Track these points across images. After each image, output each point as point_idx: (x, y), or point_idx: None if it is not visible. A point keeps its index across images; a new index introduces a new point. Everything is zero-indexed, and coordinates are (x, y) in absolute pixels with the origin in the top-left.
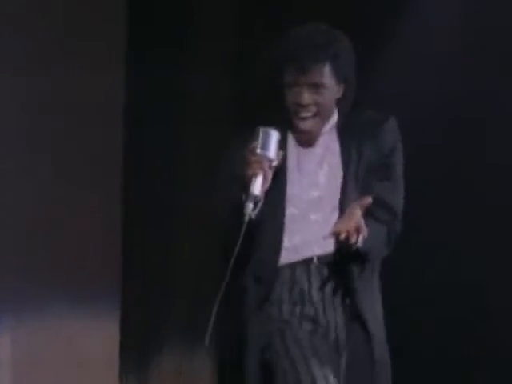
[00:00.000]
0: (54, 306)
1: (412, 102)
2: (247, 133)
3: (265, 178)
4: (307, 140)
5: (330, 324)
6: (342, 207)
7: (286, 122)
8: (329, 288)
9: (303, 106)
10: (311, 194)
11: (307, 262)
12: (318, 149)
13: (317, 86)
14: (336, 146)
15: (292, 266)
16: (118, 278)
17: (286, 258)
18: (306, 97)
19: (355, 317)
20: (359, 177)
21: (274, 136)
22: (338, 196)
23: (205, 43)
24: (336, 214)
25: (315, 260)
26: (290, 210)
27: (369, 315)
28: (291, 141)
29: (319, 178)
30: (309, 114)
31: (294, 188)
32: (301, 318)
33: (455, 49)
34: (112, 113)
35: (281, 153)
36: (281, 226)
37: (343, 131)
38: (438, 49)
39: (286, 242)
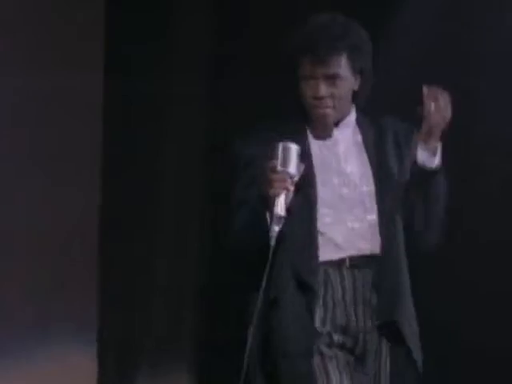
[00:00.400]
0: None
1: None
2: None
3: (287, 196)
4: (325, 130)
5: (359, 337)
6: (380, 207)
7: (303, 118)
8: (361, 293)
9: (320, 99)
10: (342, 192)
11: (340, 263)
12: (342, 146)
13: (333, 78)
14: (360, 143)
15: (325, 268)
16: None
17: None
18: (323, 89)
19: (392, 329)
20: (394, 177)
21: (294, 150)
22: (370, 194)
23: (183, 45)
24: (371, 214)
25: (347, 262)
26: (323, 211)
27: (407, 329)
28: (312, 140)
29: (348, 176)
30: (326, 107)
31: (325, 188)
32: (332, 327)
33: None
34: (90, 114)
35: (302, 166)
36: (314, 229)
37: (365, 127)
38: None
39: (320, 241)
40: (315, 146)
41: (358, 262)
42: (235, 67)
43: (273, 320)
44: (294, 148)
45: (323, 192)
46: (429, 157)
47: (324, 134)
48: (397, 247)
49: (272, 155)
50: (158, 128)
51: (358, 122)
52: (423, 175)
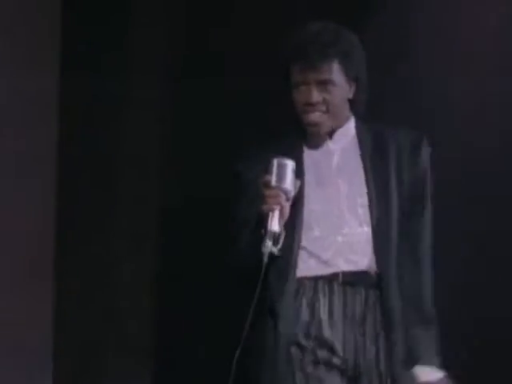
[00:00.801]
0: None
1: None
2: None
3: (282, 212)
4: (318, 138)
5: (348, 356)
6: (373, 222)
7: (296, 128)
8: (352, 311)
9: (312, 105)
10: (333, 206)
11: (331, 279)
12: (336, 157)
13: (325, 83)
14: (357, 154)
15: (313, 283)
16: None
17: (306, 272)
18: (315, 94)
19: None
20: (392, 197)
21: (290, 166)
22: (363, 208)
23: (142, 46)
24: (363, 229)
25: (340, 278)
26: (312, 226)
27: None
28: (307, 151)
29: (340, 190)
30: (318, 112)
31: (316, 202)
32: (317, 344)
33: None
34: (47, 115)
35: (298, 183)
36: (295, 247)
37: (365, 137)
38: None
39: (306, 257)
40: (309, 158)
41: (352, 279)
42: (193, 69)
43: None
44: (289, 164)
45: (314, 206)
46: None
47: (318, 142)
48: (391, 264)
49: (267, 171)
50: (116, 129)
51: (357, 131)
52: None
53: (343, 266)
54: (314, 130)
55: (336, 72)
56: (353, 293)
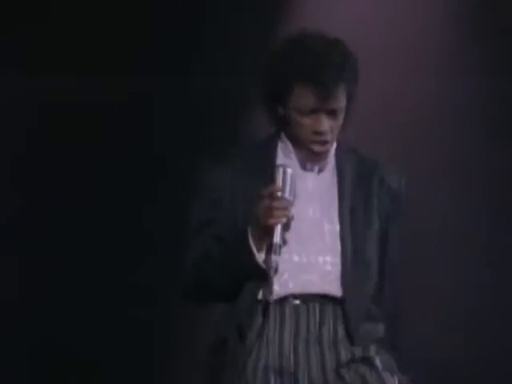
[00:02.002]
0: None
1: None
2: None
3: (288, 224)
4: (310, 169)
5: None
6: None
7: (273, 142)
8: (305, 332)
9: (320, 134)
10: (299, 229)
11: (282, 300)
12: (310, 182)
13: (335, 111)
14: (333, 179)
15: (265, 304)
16: None
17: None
18: (325, 123)
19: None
20: (373, 223)
21: (291, 174)
22: (331, 234)
23: None
24: (329, 255)
25: (291, 299)
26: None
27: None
28: (280, 158)
29: (308, 214)
30: (325, 143)
31: None
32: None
33: None
34: None
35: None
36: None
37: (344, 161)
38: None
39: None
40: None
41: (307, 301)
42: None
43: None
44: (291, 172)
45: None
46: None
47: (307, 167)
48: (358, 292)
49: (271, 180)
50: None
51: (337, 154)
52: None
53: (298, 288)
54: (315, 159)
55: (343, 98)
56: (305, 315)
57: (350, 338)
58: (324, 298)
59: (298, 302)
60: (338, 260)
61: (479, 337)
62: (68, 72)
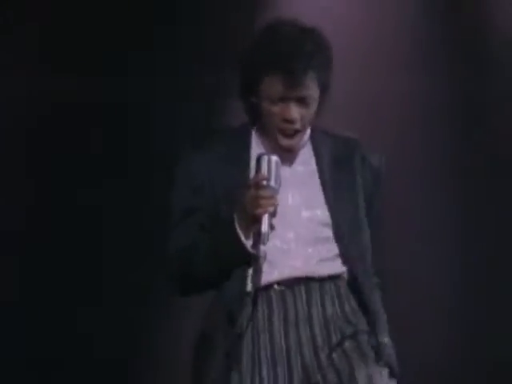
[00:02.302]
0: None
1: None
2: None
3: (274, 212)
4: (286, 158)
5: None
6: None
7: (248, 128)
8: (294, 319)
9: (290, 122)
10: (281, 214)
11: (268, 286)
12: (287, 171)
13: (304, 98)
14: (313, 165)
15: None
16: None
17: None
18: (294, 111)
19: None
20: (359, 205)
21: (277, 162)
22: (311, 220)
23: None
24: (317, 245)
25: (275, 285)
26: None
27: None
28: (254, 147)
29: (289, 202)
30: (294, 130)
31: None
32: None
33: None
34: None
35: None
36: None
37: (322, 145)
38: None
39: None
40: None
41: (292, 285)
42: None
43: None
44: (276, 159)
45: None
46: None
47: (287, 161)
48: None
49: (256, 169)
50: None
51: (313, 139)
52: None
53: (284, 273)
54: (287, 147)
55: (314, 86)
56: (292, 300)
57: (344, 313)
58: (309, 280)
59: (283, 287)
60: (329, 245)
61: (477, 337)
62: (68, 72)
